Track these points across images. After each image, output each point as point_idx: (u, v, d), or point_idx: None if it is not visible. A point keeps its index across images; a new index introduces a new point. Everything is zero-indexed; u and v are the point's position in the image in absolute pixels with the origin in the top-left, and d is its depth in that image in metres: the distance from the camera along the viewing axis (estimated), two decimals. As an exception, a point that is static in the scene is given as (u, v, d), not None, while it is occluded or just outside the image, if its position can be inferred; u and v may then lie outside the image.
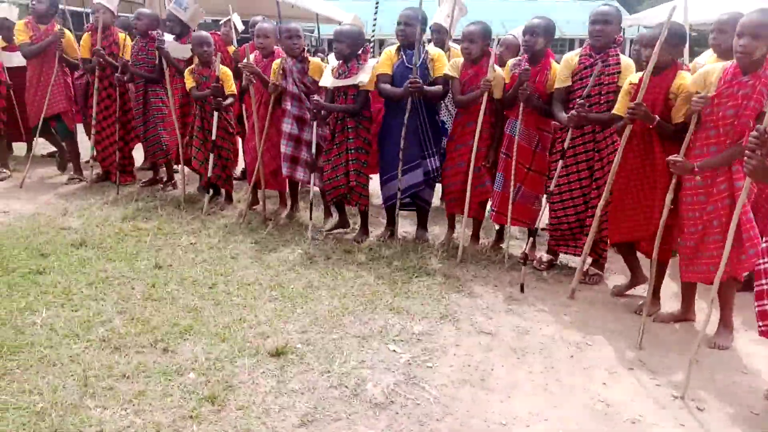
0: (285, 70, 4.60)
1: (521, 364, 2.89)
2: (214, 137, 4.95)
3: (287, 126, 4.65)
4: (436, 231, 4.84)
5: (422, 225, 4.64)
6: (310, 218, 4.53)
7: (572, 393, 2.67)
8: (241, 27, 6.51)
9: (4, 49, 6.15)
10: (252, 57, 4.76)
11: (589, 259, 3.86)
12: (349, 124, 4.33)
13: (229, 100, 4.98)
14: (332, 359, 2.80)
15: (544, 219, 4.04)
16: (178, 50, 5.22)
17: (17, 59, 5.97)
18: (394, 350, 2.92)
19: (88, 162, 5.99)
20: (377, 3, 10.25)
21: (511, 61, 4.12)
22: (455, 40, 4.98)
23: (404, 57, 4.27)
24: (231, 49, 5.91)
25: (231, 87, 5.01)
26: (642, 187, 3.44)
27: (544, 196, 4.09)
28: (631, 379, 2.80)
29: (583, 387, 2.72)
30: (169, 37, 5.18)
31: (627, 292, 3.72)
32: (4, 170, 5.95)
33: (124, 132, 5.67)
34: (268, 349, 2.84)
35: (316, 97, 4.36)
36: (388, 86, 4.23)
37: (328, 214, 5.00)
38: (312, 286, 3.65)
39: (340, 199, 4.56)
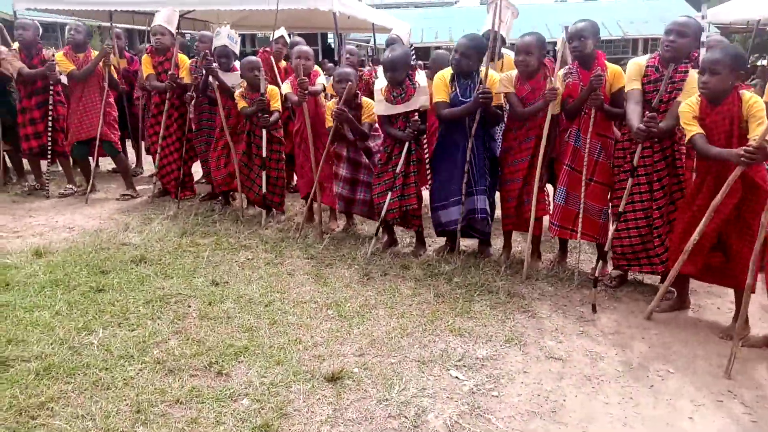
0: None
1: (596, 394, 2.65)
2: (264, 154, 4.93)
3: (343, 170, 4.58)
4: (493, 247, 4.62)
5: (485, 242, 4.44)
6: (377, 235, 4.41)
7: (655, 428, 2.41)
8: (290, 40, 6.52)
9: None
10: (287, 85, 4.75)
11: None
12: (411, 146, 4.21)
13: (275, 116, 4.95)
14: (390, 386, 2.65)
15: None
16: (230, 79, 5.23)
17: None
18: (457, 377, 2.74)
19: (151, 177, 6.11)
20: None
21: (561, 72, 3.85)
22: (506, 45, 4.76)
23: (458, 89, 4.02)
24: (283, 64, 5.91)
25: (276, 104, 4.98)
26: (729, 228, 3.14)
27: (610, 209, 3.83)
28: (721, 413, 2.52)
29: (666, 421, 2.46)
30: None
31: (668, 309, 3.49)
32: (70, 186, 6.12)
33: (181, 150, 5.74)
34: (323, 374, 2.72)
35: (416, 117, 4.15)
36: (453, 109, 4.00)
37: (384, 231, 4.84)
38: (369, 304, 3.51)
39: (393, 222, 4.43)
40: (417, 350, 2.98)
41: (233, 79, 5.19)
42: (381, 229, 4.46)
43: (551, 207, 4.05)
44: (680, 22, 3.38)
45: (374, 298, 3.60)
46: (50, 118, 5.75)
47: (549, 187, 4.28)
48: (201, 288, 3.71)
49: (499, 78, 3.99)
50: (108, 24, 9.29)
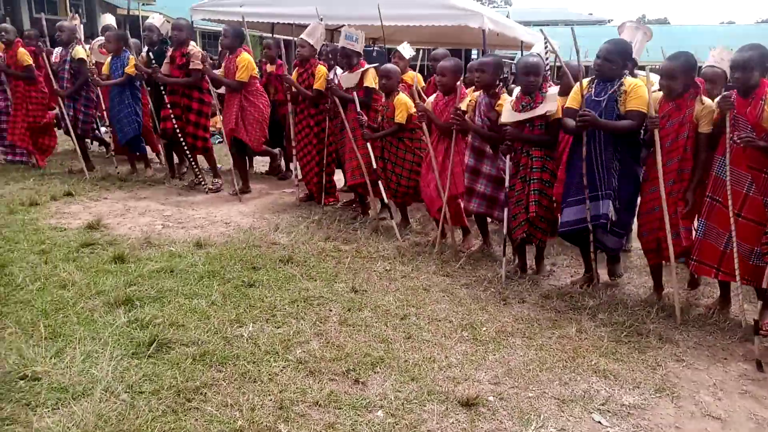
0: (476, 104, 4.47)
1: (762, 466, 2.37)
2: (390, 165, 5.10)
3: (466, 158, 4.55)
4: (635, 278, 4.31)
5: (612, 260, 4.23)
6: (504, 254, 4.31)
7: None
8: (408, 54, 6.56)
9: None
10: (431, 100, 4.79)
11: None
12: (535, 154, 4.07)
13: (394, 128, 5.02)
14: (527, 421, 2.54)
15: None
16: (349, 79, 5.38)
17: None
18: (600, 422, 2.58)
19: (295, 182, 6.46)
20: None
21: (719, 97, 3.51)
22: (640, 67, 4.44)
23: (593, 89, 3.86)
24: (410, 76, 5.98)
25: (400, 115, 5.01)
26: None
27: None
28: None
29: None
30: (339, 71, 5.44)
31: None
32: (217, 180, 6.60)
33: (320, 158, 5.96)
34: (458, 397, 2.68)
35: (509, 126, 4.11)
36: (569, 121, 3.87)
37: (515, 253, 4.70)
38: (505, 331, 3.41)
39: (522, 239, 4.28)
40: (557, 387, 2.84)
41: (353, 80, 5.34)
42: (512, 252, 4.37)
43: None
44: None
45: (511, 325, 3.50)
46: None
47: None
48: (341, 293, 3.82)
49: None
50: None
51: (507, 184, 4.20)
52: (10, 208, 5.31)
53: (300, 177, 6.20)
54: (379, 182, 5.17)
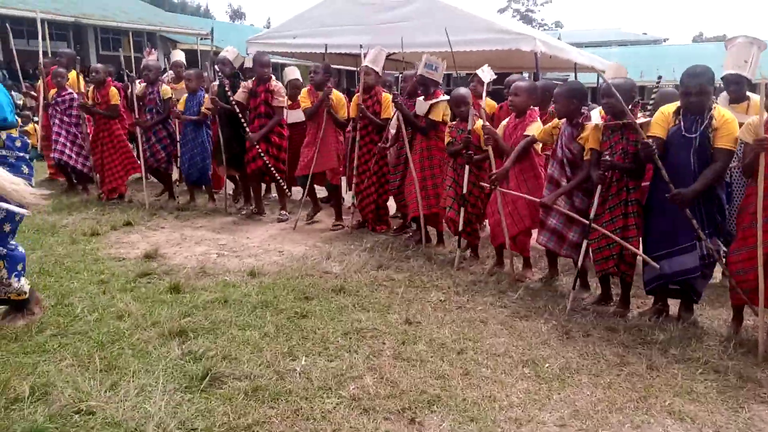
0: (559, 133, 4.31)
1: None
2: (464, 191, 4.87)
3: (545, 192, 4.35)
4: (707, 310, 4.02)
5: (687, 307, 3.91)
6: (574, 287, 4.12)
7: None
8: (487, 79, 6.47)
9: (289, 107, 7.02)
10: (505, 122, 4.72)
11: None
12: (630, 185, 3.87)
13: (482, 155, 4.86)
14: (599, 469, 2.36)
15: None
16: (422, 107, 5.34)
17: (296, 116, 6.80)
18: (679, 472, 2.36)
19: (350, 208, 6.42)
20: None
21: None
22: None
23: (682, 123, 3.62)
24: (490, 104, 5.88)
25: (483, 143, 4.89)
26: None
27: None
28: None
29: None
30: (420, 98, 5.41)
31: None
32: (284, 212, 6.64)
33: (378, 185, 5.96)
34: (521, 440, 2.52)
35: (606, 156, 3.90)
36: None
37: (584, 284, 4.49)
38: (570, 368, 3.22)
39: (608, 272, 4.07)
40: (629, 430, 2.63)
41: (424, 108, 5.31)
42: (578, 281, 4.17)
43: None
44: None
45: (576, 361, 3.30)
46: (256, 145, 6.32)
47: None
48: (395, 325, 3.71)
49: (744, 124, 3.50)
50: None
51: (593, 214, 3.97)
52: (73, 238, 5.47)
53: (356, 203, 6.17)
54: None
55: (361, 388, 2.92)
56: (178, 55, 8.35)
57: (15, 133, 3.46)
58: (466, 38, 8.87)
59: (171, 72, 8.35)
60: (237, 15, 57.32)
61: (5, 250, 3.40)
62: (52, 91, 7.50)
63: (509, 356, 3.34)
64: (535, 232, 4.65)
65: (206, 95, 6.69)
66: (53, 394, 2.72)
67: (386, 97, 5.85)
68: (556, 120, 4.34)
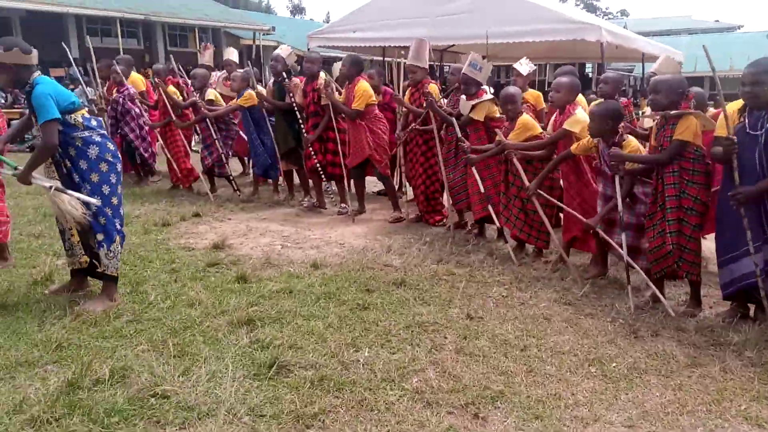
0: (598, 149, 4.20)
1: None
2: (509, 187, 4.92)
3: (599, 208, 4.27)
4: None
5: (764, 308, 3.69)
6: (628, 282, 4.00)
7: None
8: (526, 71, 6.34)
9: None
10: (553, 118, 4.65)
11: None
12: (669, 180, 3.72)
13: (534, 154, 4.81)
14: (670, 473, 2.29)
15: None
16: (465, 106, 5.30)
17: None
18: (757, 480, 2.27)
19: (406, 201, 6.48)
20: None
21: None
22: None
23: (747, 121, 3.44)
24: (531, 94, 5.80)
25: (524, 136, 4.83)
26: None
27: None
28: None
29: None
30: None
31: None
32: (344, 205, 6.72)
33: (426, 177, 5.97)
34: (587, 440, 2.48)
35: (614, 149, 3.86)
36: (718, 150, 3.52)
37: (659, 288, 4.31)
38: (637, 368, 3.13)
39: (665, 273, 3.92)
40: (701, 435, 2.55)
41: (466, 108, 5.28)
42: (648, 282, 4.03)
43: None
44: None
45: (644, 361, 3.21)
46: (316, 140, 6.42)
47: None
48: (456, 320, 3.71)
49: None
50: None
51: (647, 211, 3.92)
52: (145, 228, 5.72)
53: (411, 197, 6.20)
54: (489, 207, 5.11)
55: (423, 381, 2.94)
56: (231, 54, 8.54)
57: (86, 113, 3.73)
58: (528, 29, 8.72)
59: (224, 71, 8.56)
60: (297, 10, 58.18)
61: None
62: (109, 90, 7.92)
63: (574, 354, 3.28)
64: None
65: (247, 91, 6.82)
66: (131, 378, 2.87)
67: (433, 87, 5.83)
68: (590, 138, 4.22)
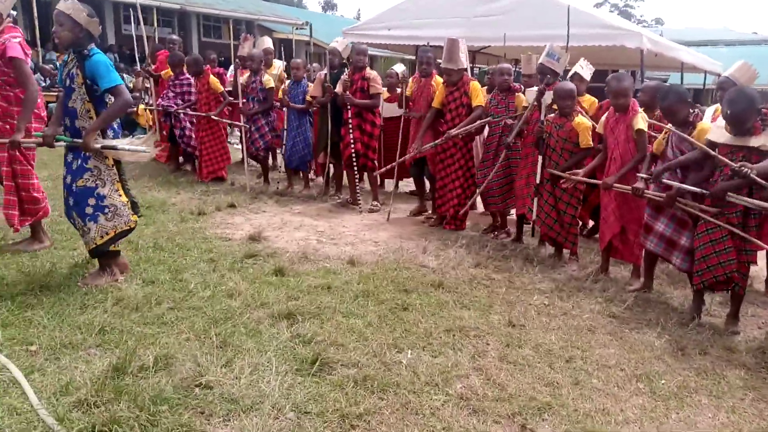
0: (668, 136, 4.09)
1: None
2: (538, 181, 4.99)
3: (662, 222, 4.14)
4: None
5: None
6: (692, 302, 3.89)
7: None
8: (588, 75, 6.20)
9: (386, 100, 7.10)
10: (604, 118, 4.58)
11: None
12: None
13: (581, 154, 4.82)
14: (730, 499, 2.21)
15: None
16: (533, 97, 5.21)
17: (391, 110, 6.95)
18: None
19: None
20: None
21: None
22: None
23: None
24: (587, 100, 5.67)
25: (586, 140, 4.78)
26: None
27: None
28: None
29: None
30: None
31: None
32: (376, 203, 6.68)
33: (464, 179, 5.85)
34: (640, 459, 2.40)
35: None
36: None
37: (698, 301, 4.20)
38: (688, 386, 3.04)
39: (714, 286, 3.82)
40: (760, 461, 2.46)
41: (530, 97, 5.23)
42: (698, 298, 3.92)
43: None
44: None
45: (693, 380, 3.12)
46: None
47: None
48: (498, 326, 3.64)
49: None
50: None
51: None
52: (181, 216, 5.73)
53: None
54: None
55: (468, 387, 2.88)
56: (267, 42, 8.51)
57: None
58: (571, 33, 8.56)
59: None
60: (329, 6, 58.24)
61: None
62: (164, 72, 7.91)
63: (621, 369, 3.20)
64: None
65: (309, 84, 6.82)
66: (174, 366, 2.86)
67: (474, 85, 5.73)
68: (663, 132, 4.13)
